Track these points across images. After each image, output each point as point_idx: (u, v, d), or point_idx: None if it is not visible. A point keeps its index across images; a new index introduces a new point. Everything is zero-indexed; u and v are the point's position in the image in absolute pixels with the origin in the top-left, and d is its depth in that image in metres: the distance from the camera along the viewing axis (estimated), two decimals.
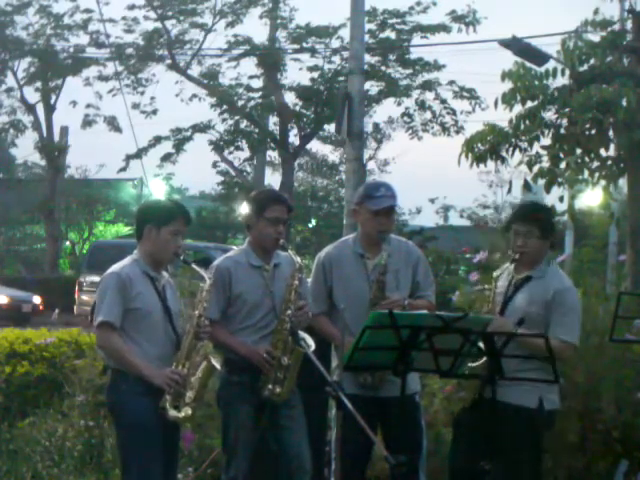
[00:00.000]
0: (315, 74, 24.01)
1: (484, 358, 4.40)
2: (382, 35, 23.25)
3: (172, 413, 4.52)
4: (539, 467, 4.91)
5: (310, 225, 30.08)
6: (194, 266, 4.75)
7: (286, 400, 4.87)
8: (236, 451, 4.88)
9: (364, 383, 4.86)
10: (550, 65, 8.73)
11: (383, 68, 23.45)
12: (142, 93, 25.40)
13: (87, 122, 27.53)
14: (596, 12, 8.62)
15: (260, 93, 24.65)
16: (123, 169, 25.80)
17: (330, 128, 24.20)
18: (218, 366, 4.63)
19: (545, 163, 8.33)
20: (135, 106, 25.33)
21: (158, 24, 24.45)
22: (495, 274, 4.97)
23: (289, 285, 4.88)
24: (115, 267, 4.71)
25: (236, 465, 4.87)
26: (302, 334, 4.64)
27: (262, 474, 4.93)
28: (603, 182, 8.41)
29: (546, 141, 8.36)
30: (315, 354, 4.29)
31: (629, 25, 9.13)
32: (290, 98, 24.68)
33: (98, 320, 4.58)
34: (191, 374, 4.56)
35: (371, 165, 31.59)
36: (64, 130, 29.02)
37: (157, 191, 29.01)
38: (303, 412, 4.98)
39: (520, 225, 4.78)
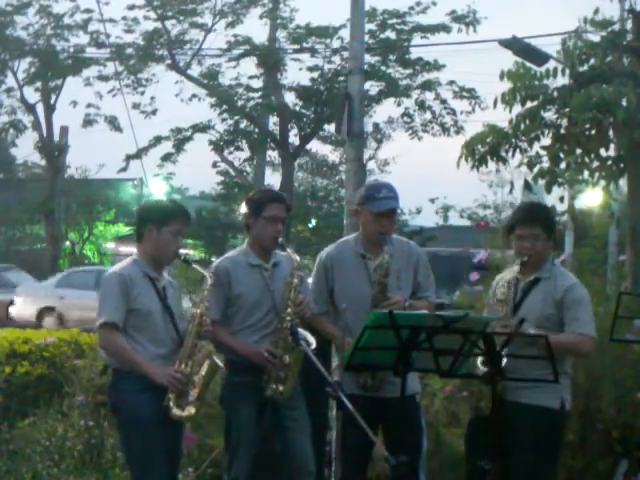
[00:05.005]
0: (315, 74, 23.96)
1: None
2: (382, 35, 23.22)
3: (175, 412, 4.52)
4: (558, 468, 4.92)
5: (310, 225, 29.99)
6: (195, 266, 4.76)
7: (289, 401, 4.86)
8: (238, 451, 4.87)
9: (365, 385, 4.86)
10: (550, 65, 8.74)
11: (383, 68, 23.41)
12: (142, 93, 25.34)
13: (87, 121, 27.46)
14: (596, 12, 8.61)
15: (260, 93, 24.61)
16: (123, 169, 25.70)
17: (330, 128, 24.14)
18: (221, 364, 4.63)
19: (545, 163, 8.33)
20: (135, 106, 25.27)
21: (158, 24, 24.39)
22: (495, 282, 4.93)
23: (288, 283, 4.87)
24: (115, 268, 4.73)
25: (238, 466, 4.87)
26: (303, 333, 4.63)
27: (264, 475, 4.92)
28: (603, 182, 8.40)
29: (546, 141, 8.35)
30: (316, 354, 4.28)
31: (629, 25, 9.12)
32: (290, 98, 24.67)
33: (100, 321, 4.57)
34: (194, 372, 4.56)
35: (371, 165, 31.53)
36: (64, 130, 28.98)
37: (157, 191, 28.93)
38: (306, 413, 4.98)
39: (525, 228, 4.71)
